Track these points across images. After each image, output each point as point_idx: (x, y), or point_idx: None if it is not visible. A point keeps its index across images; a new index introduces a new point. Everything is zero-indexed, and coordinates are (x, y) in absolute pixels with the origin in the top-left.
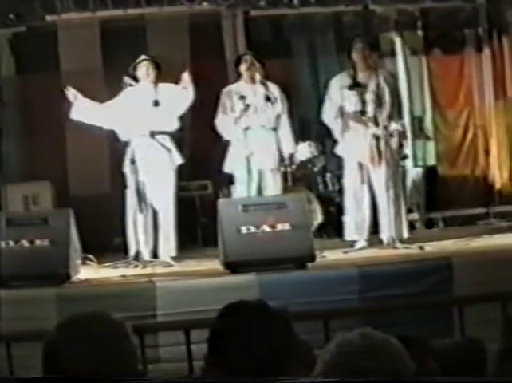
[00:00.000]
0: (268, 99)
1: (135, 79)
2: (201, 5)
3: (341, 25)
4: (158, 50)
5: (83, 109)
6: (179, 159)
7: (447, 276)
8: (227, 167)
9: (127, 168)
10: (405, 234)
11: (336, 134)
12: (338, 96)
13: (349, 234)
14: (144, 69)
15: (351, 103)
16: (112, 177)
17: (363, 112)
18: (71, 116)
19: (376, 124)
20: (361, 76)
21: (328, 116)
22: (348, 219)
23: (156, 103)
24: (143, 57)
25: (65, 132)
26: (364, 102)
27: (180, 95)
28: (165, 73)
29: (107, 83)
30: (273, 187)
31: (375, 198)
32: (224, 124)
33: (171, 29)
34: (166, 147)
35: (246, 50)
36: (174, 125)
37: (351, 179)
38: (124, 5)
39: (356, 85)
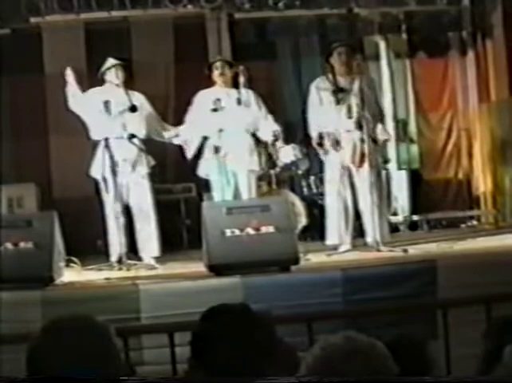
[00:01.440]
0: (239, 102)
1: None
2: (185, 8)
3: (326, 28)
4: (142, 52)
5: (73, 95)
6: (151, 161)
7: (431, 279)
8: (201, 171)
9: (106, 171)
10: (387, 238)
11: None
12: (318, 101)
13: (332, 237)
14: (113, 74)
15: (334, 108)
16: (95, 180)
17: (348, 117)
18: (69, 105)
19: (360, 128)
20: (341, 81)
21: (315, 127)
22: (331, 223)
23: (134, 108)
24: (110, 62)
25: (49, 134)
26: (348, 107)
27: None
28: (149, 75)
29: (91, 85)
30: (247, 189)
31: (358, 201)
32: (195, 120)
33: (155, 32)
34: (142, 149)
35: (226, 53)
36: (145, 133)
37: (332, 182)
38: (108, 7)
39: (338, 90)
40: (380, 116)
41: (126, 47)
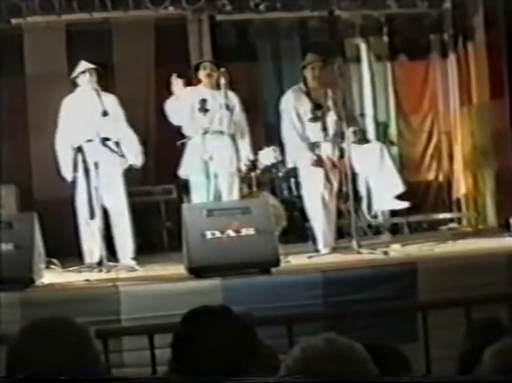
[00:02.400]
0: (227, 107)
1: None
2: (167, 10)
3: (307, 30)
4: (123, 54)
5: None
6: (125, 163)
7: (412, 281)
8: (182, 172)
9: (78, 173)
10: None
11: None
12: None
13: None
14: (86, 77)
15: (311, 124)
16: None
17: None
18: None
19: (337, 139)
20: (314, 94)
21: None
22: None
23: (105, 113)
24: (83, 65)
25: (30, 135)
26: (324, 123)
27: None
28: (130, 77)
29: (71, 87)
30: (229, 191)
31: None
32: (175, 108)
33: (136, 33)
34: (116, 152)
35: (207, 55)
36: (121, 133)
37: (310, 186)
38: (89, 8)
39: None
40: (351, 121)
41: (107, 48)
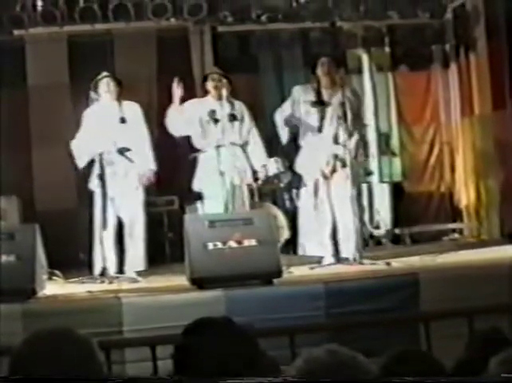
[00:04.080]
0: (234, 118)
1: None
2: (168, 21)
3: (308, 41)
4: (125, 65)
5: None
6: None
7: (414, 292)
8: (197, 185)
9: (94, 184)
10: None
11: (283, 139)
12: (297, 108)
13: (310, 250)
14: (106, 86)
15: (311, 119)
16: (78, 193)
17: (320, 130)
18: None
19: (336, 142)
20: (325, 93)
21: (281, 117)
22: (305, 235)
23: (123, 120)
24: (104, 73)
25: (32, 146)
26: (322, 119)
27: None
28: (131, 88)
29: (73, 98)
30: (245, 203)
31: (336, 215)
32: (180, 120)
33: (138, 45)
34: (134, 161)
35: (213, 67)
36: (140, 142)
37: (310, 196)
38: (91, 20)
39: (319, 103)
40: (360, 130)
41: (109, 60)
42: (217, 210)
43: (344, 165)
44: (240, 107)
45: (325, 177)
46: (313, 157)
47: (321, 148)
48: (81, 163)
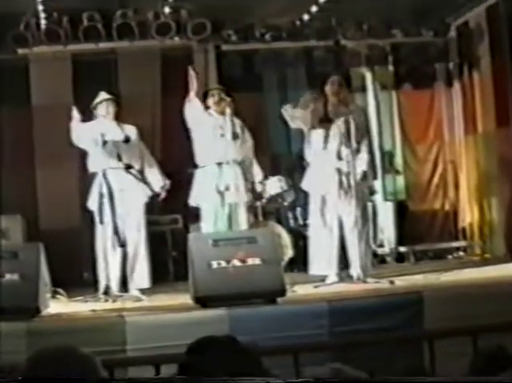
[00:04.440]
0: (236, 136)
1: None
2: (172, 40)
3: (312, 60)
4: (129, 84)
5: (76, 129)
6: (149, 192)
7: (418, 310)
8: (194, 200)
9: (94, 202)
10: (370, 271)
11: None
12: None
13: (316, 268)
14: (104, 108)
15: (317, 136)
16: (81, 212)
17: (325, 148)
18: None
19: (340, 158)
20: (332, 111)
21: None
22: (314, 254)
23: (127, 139)
24: (102, 96)
25: (36, 166)
26: (328, 136)
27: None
28: (136, 106)
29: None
30: (244, 220)
31: (343, 232)
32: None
33: (142, 64)
34: (139, 179)
35: (213, 84)
36: (139, 164)
37: (317, 214)
38: (95, 39)
39: (325, 120)
40: (366, 148)
41: (113, 79)
42: (213, 227)
43: (350, 183)
44: (241, 125)
45: (332, 195)
46: (319, 175)
47: (328, 166)
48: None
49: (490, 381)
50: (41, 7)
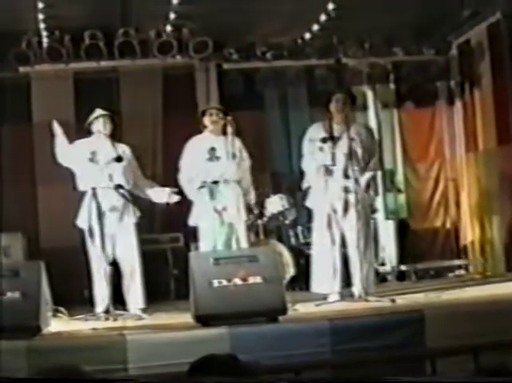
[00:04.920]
0: (233, 156)
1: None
2: (174, 58)
3: (314, 78)
4: (131, 102)
5: (61, 147)
6: (137, 212)
7: (419, 328)
8: (193, 221)
9: (92, 221)
10: (372, 289)
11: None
12: (311, 149)
13: (318, 287)
14: (101, 124)
15: (323, 155)
16: (81, 230)
17: (333, 165)
18: (57, 158)
19: (346, 176)
20: (336, 129)
21: (309, 166)
22: (317, 272)
23: (119, 159)
24: (98, 111)
25: (37, 183)
26: (333, 155)
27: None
28: (137, 125)
29: (78, 135)
30: (244, 239)
31: (346, 251)
32: (191, 168)
33: (144, 82)
34: (129, 200)
35: (214, 103)
36: (131, 184)
37: (321, 232)
38: (97, 57)
39: (329, 139)
40: (372, 166)
41: (115, 97)
42: (212, 246)
43: (355, 201)
44: (238, 144)
45: (336, 212)
46: (325, 193)
47: (333, 184)
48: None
49: (490, 381)
50: (42, 25)
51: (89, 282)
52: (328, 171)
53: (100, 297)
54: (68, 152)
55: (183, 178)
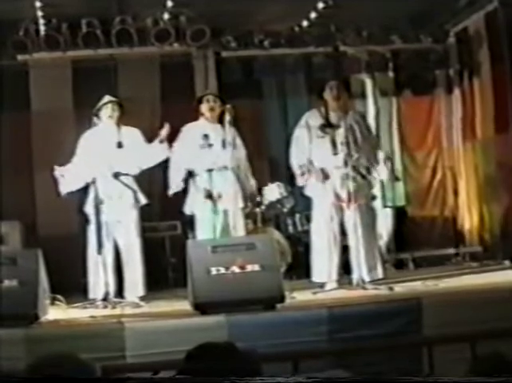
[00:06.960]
0: (227, 144)
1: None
2: (172, 46)
3: (312, 66)
4: (128, 90)
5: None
6: (143, 200)
7: (417, 317)
8: (188, 209)
9: (90, 208)
10: (380, 275)
11: (300, 180)
12: (307, 138)
13: (318, 275)
14: (109, 110)
15: (322, 143)
16: (80, 217)
17: (334, 153)
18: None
19: (346, 164)
20: (333, 116)
21: (297, 160)
22: (316, 260)
23: (120, 145)
24: (107, 98)
25: (35, 171)
26: (334, 143)
27: (153, 150)
28: (135, 113)
29: (77, 123)
30: (241, 227)
31: (346, 238)
32: (182, 154)
33: (141, 70)
34: (130, 187)
35: (212, 90)
36: (135, 169)
37: (320, 220)
38: (94, 45)
39: (328, 126)
40: (372, 154)
41: (113, 85)
42: (208, 234)
43: (356, 188)
44: (233, 132)
45: (337, 200)
46: (325, 180)
47: (334, 171)
48: (66, 189)
49: (490, 381)
50: (40, 13)
51: (87, 270)
52: (324, 175)
53: (100, 284)
54: (72, 179)
55: (174, 164)
